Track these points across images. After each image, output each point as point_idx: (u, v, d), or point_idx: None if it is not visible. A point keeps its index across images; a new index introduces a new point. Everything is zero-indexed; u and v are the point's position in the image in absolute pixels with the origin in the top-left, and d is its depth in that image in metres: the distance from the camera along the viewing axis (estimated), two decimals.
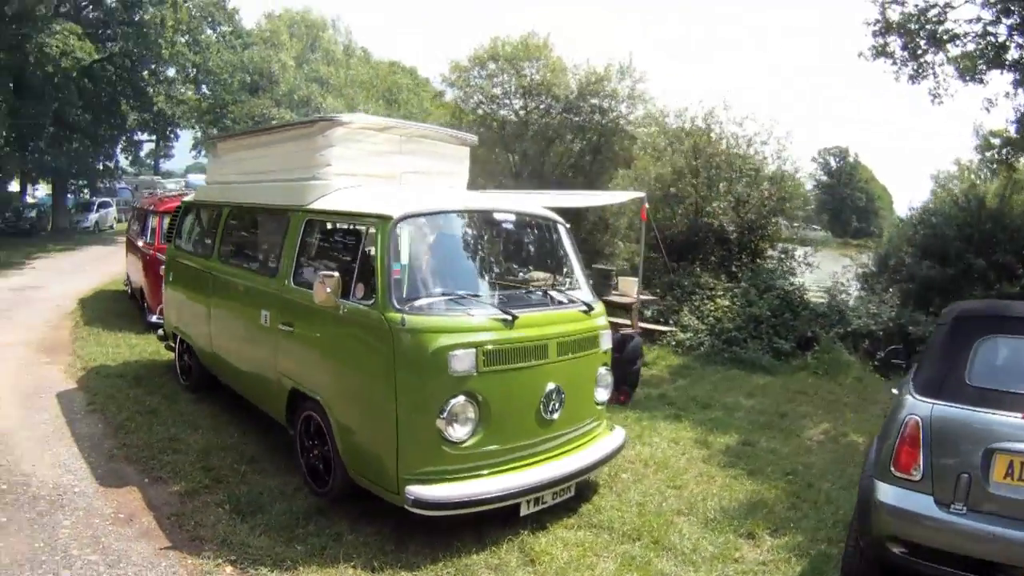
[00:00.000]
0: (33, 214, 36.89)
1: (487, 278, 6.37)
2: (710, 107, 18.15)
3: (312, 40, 46.91)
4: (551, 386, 5.79)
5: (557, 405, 5.83)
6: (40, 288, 18.46)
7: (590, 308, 6.40)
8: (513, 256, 7.24)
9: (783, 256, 16.34)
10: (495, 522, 5.66)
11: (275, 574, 5.05)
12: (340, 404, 5.87)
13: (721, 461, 7.78)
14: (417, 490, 5.23)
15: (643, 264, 14.52)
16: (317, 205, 6.60)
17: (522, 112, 25.13)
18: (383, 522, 5.66)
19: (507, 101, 25.62)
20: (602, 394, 6.54)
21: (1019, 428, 4.28)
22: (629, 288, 13.79)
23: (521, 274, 7.18)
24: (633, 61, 23.59)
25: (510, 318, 5.59)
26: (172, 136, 45.95)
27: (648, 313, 15.12)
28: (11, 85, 25.63)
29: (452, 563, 5.22)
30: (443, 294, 5.73)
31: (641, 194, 12.94)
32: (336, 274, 5.66)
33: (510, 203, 7.28)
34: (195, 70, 34.02)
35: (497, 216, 6.73)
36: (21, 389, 9.37)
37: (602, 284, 12.93)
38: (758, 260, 15.96)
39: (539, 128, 24.55)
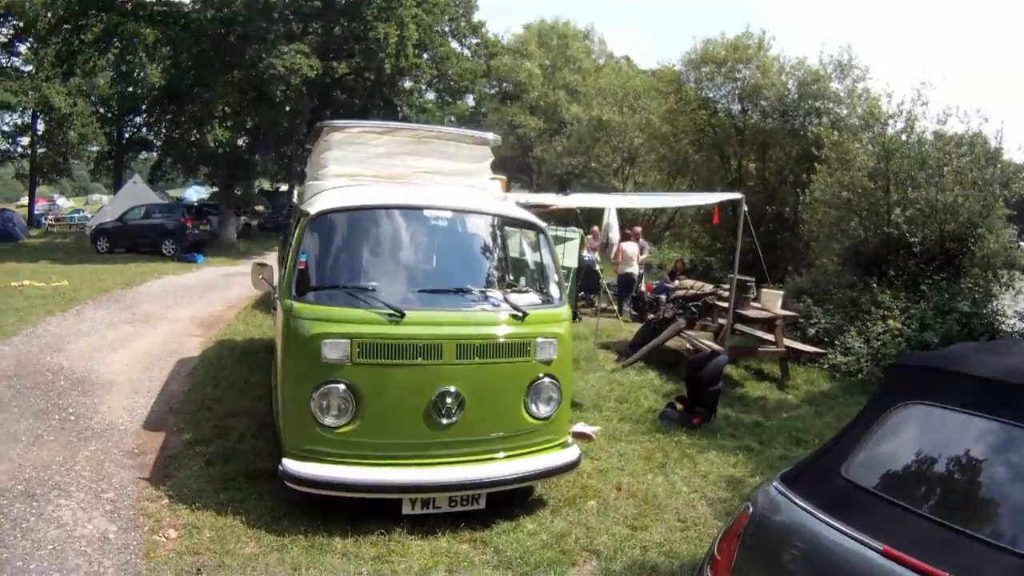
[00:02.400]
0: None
1: (410, 274, 6.30)
2: (902, 100, 16.13)
3: (563, 49, 47.71)
4: (446, 389, 5.59)
5: (454, 409, 5.61)
6: (246, 274, 19.96)
7: (522, 314, 5.92)
8: (463, 254, 6.81)
9: (986, 277, 13.94)
10: (381, 516, 5.61)
11: (187, 508, 5.84)
12: (275, 378, 6.48)
13: (728, 509, 6.54)
14: (291, 464, 5.46)
15: (811, 278, 13.13)
16: (304, 206, 6.99)
17: (739, 116, 23.79)
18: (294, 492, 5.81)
19: (723, 105, 24.37)
20: (542, 408, 6.04)
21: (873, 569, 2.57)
22: (771, 302, 12.42)
23: (473, 274, 6.63)
24: (852, 57, 21.42)
25: (397, 314, 5.56)
26: None
27: (812, 331, 13.60)
28: (252, 99, 28.01)
29: (312, 539, 5.37)
30: (342, 286, 5.84)
31: (737, 195, 11.60)
32: (267, 263, 6.90)
33: (474, 202, 6.93)
34: (436, 79, 35.17)
35: (435, 214, 6.45)
36: (155, 354, 11.21)
37: (738, 296, 11.78)
38: (961, 281, 13.72)
39: (754, 133, 23.12)
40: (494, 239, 6.80)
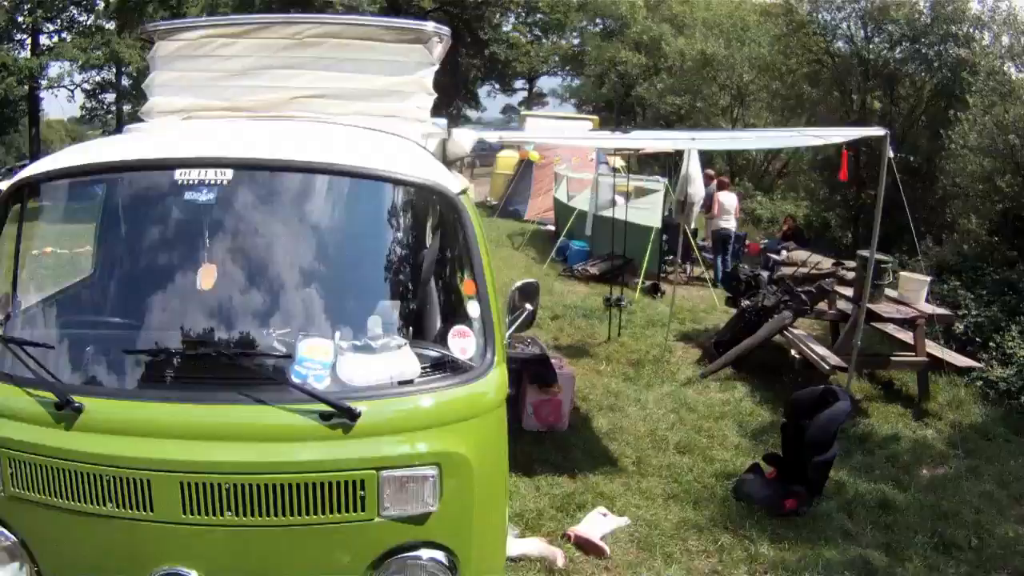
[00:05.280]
0: None
1: (135, 312, 3.30)
2: None
3: None
4: (170, 572, 2.88)
5: None
6: None
7: (348, 412, 2.89)
8: (262, 268, 3.34)
9: None
10: None
11: None
12: None
13: None
14: None
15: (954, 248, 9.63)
16: None
17: (862, 44, 20.02)
18: None
19: (843, 30, 20.60)
20: None
21: None
22: (913, 291, 9.13)
23: (273, 312, 3.23)
24: None
25: (68, 405, 2.88)
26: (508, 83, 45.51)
27: (961, 327, 10.26)
28: None
29: None
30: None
31: (880, 131, 7.83)
32: None
33: (324, 150, 3.54)
34: (524, 12, 32.26)
35: (203, 177, 3.23)
36: None
37: (871, 284, 8.65)
38: None
39: (880, 64, 19.37)
40: (346, 232, 3.61)
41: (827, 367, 8.29)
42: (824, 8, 20.57)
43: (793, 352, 9.30)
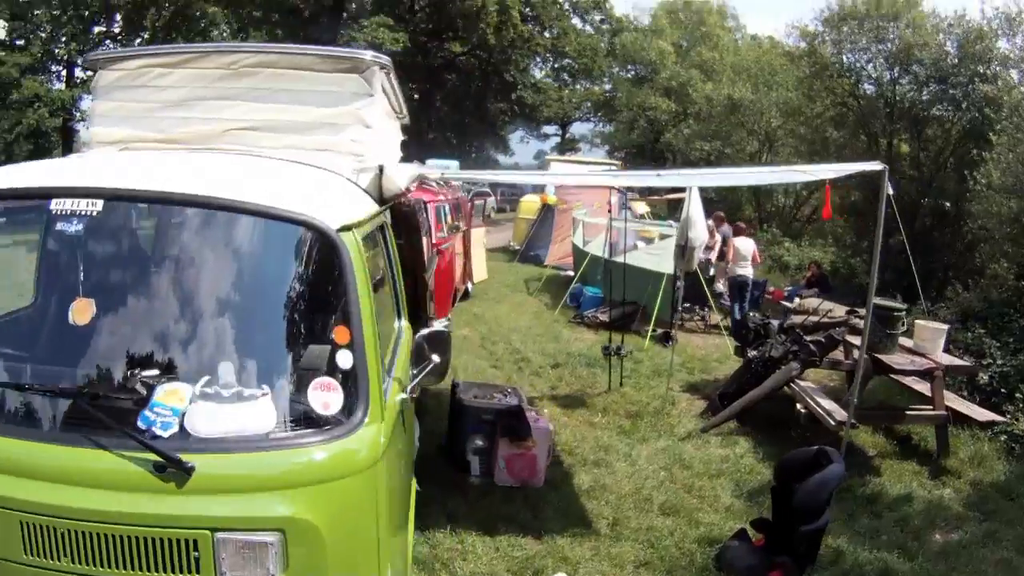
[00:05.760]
0: None
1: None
2: None
3: (698, 25, 43.88)
4: None
5: None
6: None
7: (182, 465, 2.67)
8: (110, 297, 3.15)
9: None
10: None
11: None
12: None
13: None
14: None
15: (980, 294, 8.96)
16: None
17: (887, 85, 19.50)
18: None
19: (868, 72, 20.12)
20: None
21: None
22: (929, 340, 8.50)
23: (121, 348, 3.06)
24: (1022, 9, 16.85)
25: None
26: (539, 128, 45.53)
27: (985, 377, 9.53)
28: None
29: None
30: None
31: (877, 166, 7.19)
32: None
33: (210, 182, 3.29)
34: (551, 57, 32.20)
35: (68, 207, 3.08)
36: None
37: (881, 332, 8.08)
38: None
39: (906, 106, 18.82)
40: (215, 268, 3.29)
41: (833, 422, 7.68)
42: (848, 50, 20.17)
43: (799, 406, 8.65)
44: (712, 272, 16.56)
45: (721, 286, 16.24)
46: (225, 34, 29.85)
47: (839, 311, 10.28)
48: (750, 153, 32.99)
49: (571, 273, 19.40)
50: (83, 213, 3.05)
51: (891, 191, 6.57)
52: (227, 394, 2.80)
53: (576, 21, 34.65)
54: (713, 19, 45.77)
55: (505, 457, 6.76)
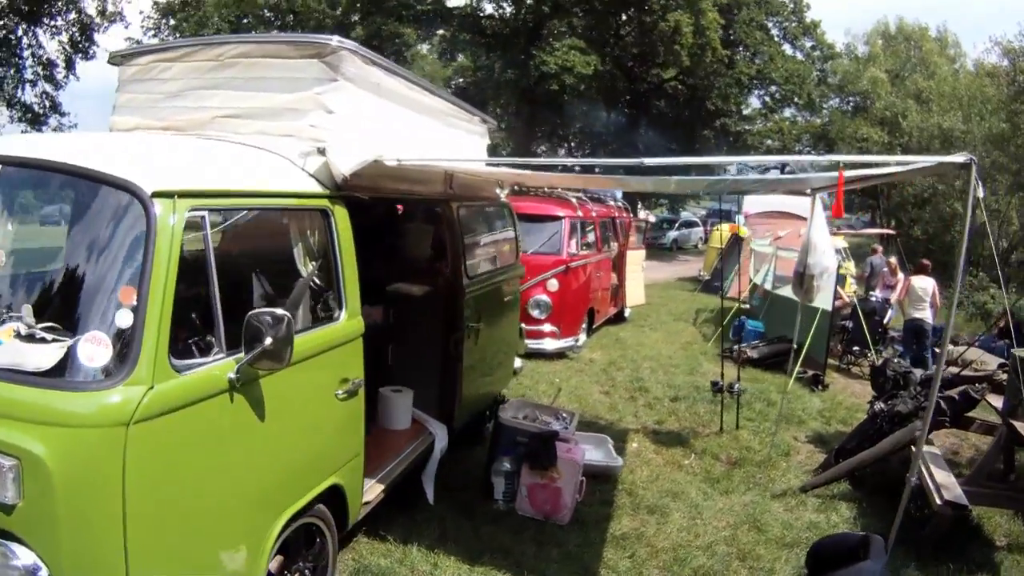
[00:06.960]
0: None
1: None
2: None
3: (913, 51, 41.26)
4: None
5: None
6: None
7: None
8: None
9: None
10: None
11: None
12: None
13: None
14: None
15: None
16: None
17: None
18: None
19: None
20: None
21: None
22: None
23: None
24: None
25: None
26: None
27: None
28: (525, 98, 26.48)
29: None
30: None
31: (961, 158, 5.29)
32: None
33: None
34: (756, 81, 30.93)
35: None
36: None
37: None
38: None
39: None
40: (44, 221, 4.13)
41: (939, 501, 6.28)
42: None
43: (908, 475, 7.34)
44: (890, 316, 15.06)
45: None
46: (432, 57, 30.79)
47: (992, 364, 8.81)
48: (959, 190, 30.43)
49: (747, 305, 18.37)
50: None
51: (981, 193, 5.23)
52: (24, 332, 3.14)
53: (787, 48, 33.21)
54: (929, 45, 42.91)
55: (528, 485, 6.20)
